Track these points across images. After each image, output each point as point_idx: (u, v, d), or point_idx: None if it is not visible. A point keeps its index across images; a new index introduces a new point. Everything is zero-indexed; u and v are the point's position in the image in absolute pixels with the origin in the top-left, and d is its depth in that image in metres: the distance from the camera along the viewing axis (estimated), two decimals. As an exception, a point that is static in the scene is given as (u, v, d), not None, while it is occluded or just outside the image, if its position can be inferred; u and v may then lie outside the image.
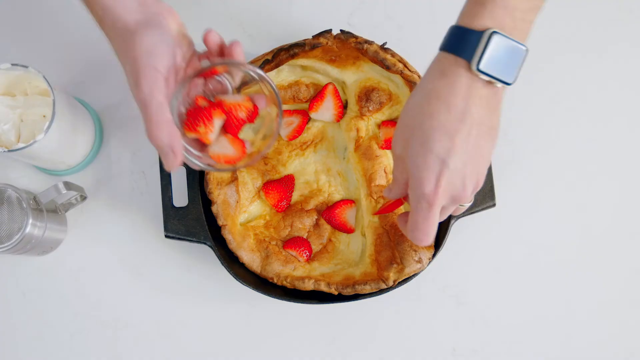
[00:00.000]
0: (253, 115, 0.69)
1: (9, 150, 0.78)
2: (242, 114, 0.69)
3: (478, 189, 0.64)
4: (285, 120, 0.87)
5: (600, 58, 0.94)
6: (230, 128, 0.69)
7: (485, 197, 0.84)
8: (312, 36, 0.83)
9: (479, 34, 0.59)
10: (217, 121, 0.68)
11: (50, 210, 0.86)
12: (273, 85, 0.67)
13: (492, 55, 0.58)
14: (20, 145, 0.78)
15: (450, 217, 0.83)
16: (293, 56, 0.82)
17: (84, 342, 0.90)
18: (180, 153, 0.65)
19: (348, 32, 0.83)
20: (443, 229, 0.83)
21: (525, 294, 0.90)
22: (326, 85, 0.87)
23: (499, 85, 0.60)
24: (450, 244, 0.86)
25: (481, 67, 0.58)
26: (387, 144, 0.87)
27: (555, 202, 0.92)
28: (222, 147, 0.69)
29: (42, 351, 0.90)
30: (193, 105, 0.68)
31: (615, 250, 0.91)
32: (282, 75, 0.87)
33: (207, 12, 0.95)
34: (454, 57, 0.60)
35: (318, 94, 0.88)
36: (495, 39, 0.58)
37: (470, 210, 0.83)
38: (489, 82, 0.60)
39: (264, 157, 0.87)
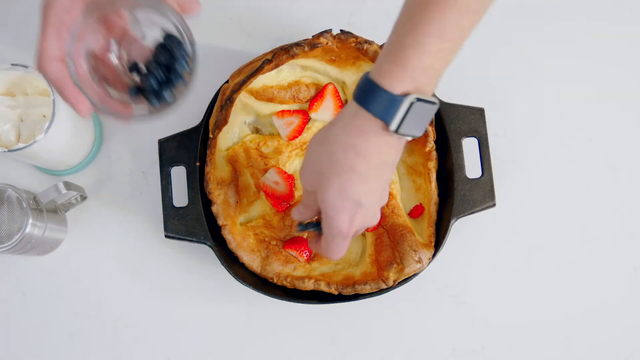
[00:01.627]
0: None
1: (9, 150, 0.78)
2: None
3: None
4: (285, 120, 0.87)
5: (600, 58, 0.94)
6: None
7: (485, 197, 0.84)
8: (312, 36, 0.83)
9: (399, 99, 0.60)
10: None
11: (50, 210, 0.86)
12: (193, 47, 0.64)
13: (411, 119, 0.61)
14: (20, 145, 0.78)
15: (450, 217, 0.83)
16: (293, 56, 0.82)
17: (84, 342, 0.90)
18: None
19: (348, 32, 0.83)
20: (443, 229, 0.83)
21: (525, 293, 0.90)
22: (326, 85, 0.87)
23: (410, 138, 0.64)
24: (450, 244, 0.86)
25: (399, 130, 0.62)
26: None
27: (556, 202, 0.92)
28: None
29: (42, 351, 0.90)
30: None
31: (615, 250, 0.91)
32: (282, 75, 0.87)
33: (207, 12, 0.95)
34: (371, 116, 0.62)
35: (318, 94, 0.88)
36: (416, 105, 0.61)
37: (470, 210, 0.83)
38: (402, 136, 0.63)
39: (264, 157, 0.87)
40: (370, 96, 0.62)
